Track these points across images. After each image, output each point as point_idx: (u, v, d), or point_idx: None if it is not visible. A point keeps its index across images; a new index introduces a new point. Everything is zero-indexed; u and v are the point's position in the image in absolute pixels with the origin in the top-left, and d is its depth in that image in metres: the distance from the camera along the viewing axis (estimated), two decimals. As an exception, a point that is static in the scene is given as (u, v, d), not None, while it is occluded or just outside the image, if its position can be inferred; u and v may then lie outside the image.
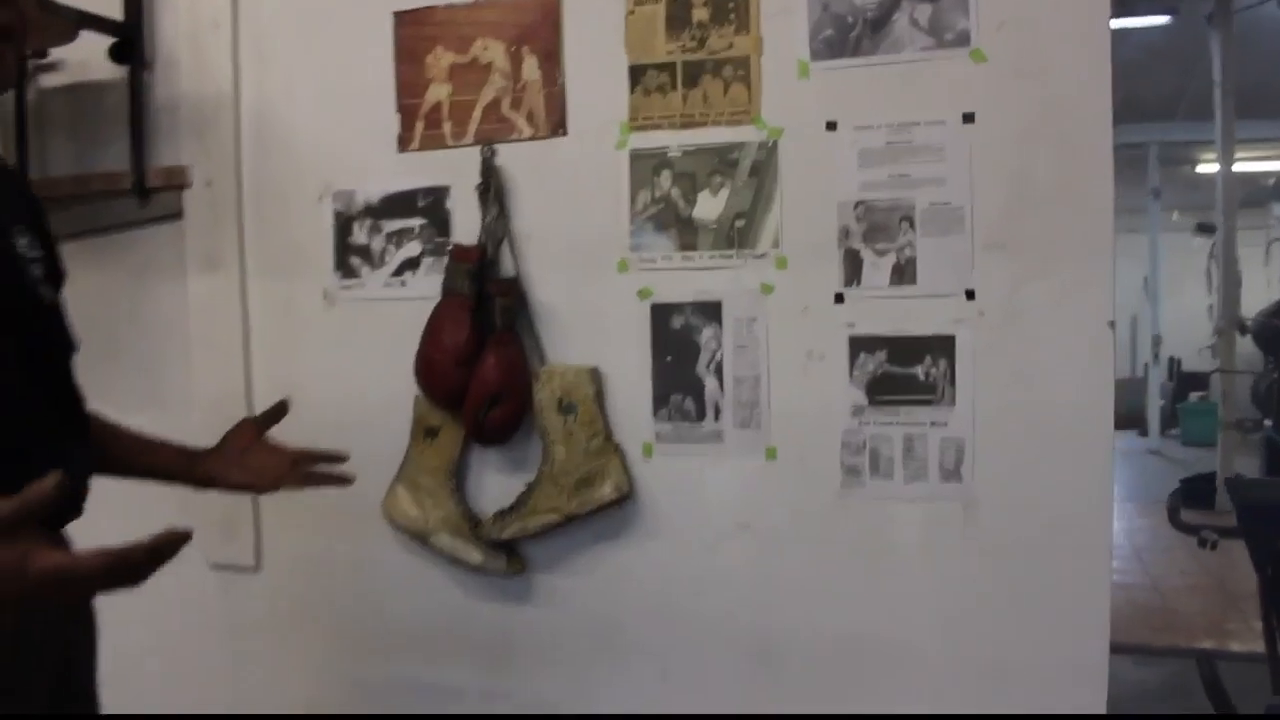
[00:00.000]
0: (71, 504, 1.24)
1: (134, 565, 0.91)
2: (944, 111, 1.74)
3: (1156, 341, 10.72)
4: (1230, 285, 5.49)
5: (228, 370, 2.14)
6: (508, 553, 1.96)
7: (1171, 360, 12.05)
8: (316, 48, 2.11)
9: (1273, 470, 5.59)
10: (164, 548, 0.91)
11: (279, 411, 1.56)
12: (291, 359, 2.14)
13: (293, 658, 2.16)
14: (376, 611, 2.11)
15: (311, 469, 1.57)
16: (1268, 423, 5.56)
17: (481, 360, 1.87)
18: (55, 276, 1.32)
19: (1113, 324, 1.71)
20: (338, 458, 1.59)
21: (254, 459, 1.50)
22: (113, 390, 1.54)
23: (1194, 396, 11.56)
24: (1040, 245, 1.71)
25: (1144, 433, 11.05)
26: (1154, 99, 7.79)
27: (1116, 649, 1.75)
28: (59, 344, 1.29)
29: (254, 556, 2.17)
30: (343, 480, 1.60)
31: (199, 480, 1.49)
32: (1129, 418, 10.53)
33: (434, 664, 2.07)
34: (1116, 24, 1.75)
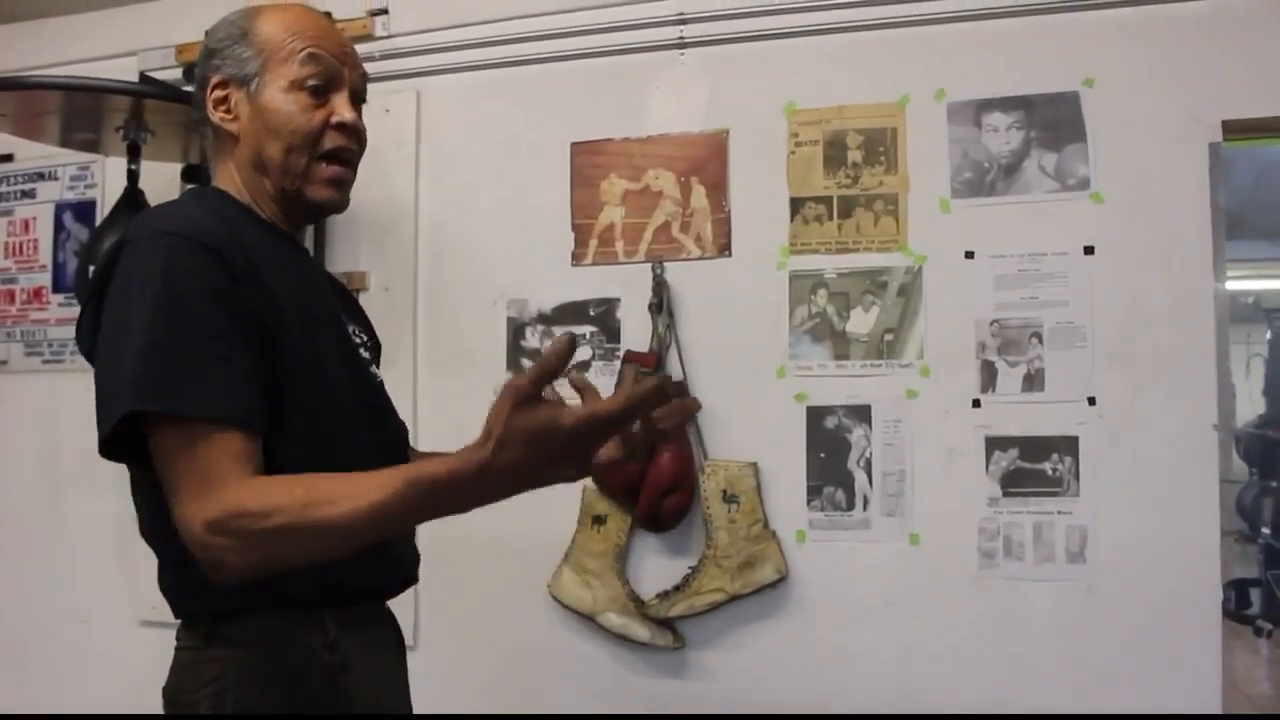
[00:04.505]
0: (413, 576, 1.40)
1: (638, 409, 0.97)
2: (1068, 244, 2.03)
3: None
4: (1225, 399, 5.79)
5: (398, 459, 2.33)
6: (670, 629, 2.16)
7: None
8: (494, 169, 2.38)
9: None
10: (657, 392, 0.97)
11: None
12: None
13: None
14: (534, 686, 2.28)
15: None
16: (1265, 530, 5.82)
17: (658, 455, 2.09)
18: (376, 354, 1.47)
19: (1216, 426, 1.97)
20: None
21: None
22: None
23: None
24: (1152, 358, 1.99)
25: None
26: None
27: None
28: (394, 426, 1.44)
29: (412, 636, 2.33)
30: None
31: None
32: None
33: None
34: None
